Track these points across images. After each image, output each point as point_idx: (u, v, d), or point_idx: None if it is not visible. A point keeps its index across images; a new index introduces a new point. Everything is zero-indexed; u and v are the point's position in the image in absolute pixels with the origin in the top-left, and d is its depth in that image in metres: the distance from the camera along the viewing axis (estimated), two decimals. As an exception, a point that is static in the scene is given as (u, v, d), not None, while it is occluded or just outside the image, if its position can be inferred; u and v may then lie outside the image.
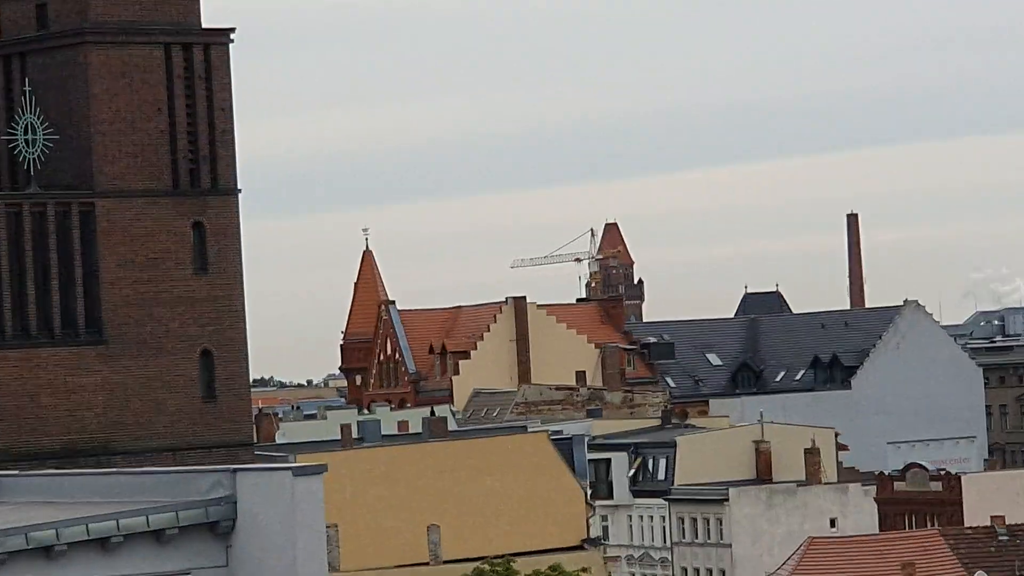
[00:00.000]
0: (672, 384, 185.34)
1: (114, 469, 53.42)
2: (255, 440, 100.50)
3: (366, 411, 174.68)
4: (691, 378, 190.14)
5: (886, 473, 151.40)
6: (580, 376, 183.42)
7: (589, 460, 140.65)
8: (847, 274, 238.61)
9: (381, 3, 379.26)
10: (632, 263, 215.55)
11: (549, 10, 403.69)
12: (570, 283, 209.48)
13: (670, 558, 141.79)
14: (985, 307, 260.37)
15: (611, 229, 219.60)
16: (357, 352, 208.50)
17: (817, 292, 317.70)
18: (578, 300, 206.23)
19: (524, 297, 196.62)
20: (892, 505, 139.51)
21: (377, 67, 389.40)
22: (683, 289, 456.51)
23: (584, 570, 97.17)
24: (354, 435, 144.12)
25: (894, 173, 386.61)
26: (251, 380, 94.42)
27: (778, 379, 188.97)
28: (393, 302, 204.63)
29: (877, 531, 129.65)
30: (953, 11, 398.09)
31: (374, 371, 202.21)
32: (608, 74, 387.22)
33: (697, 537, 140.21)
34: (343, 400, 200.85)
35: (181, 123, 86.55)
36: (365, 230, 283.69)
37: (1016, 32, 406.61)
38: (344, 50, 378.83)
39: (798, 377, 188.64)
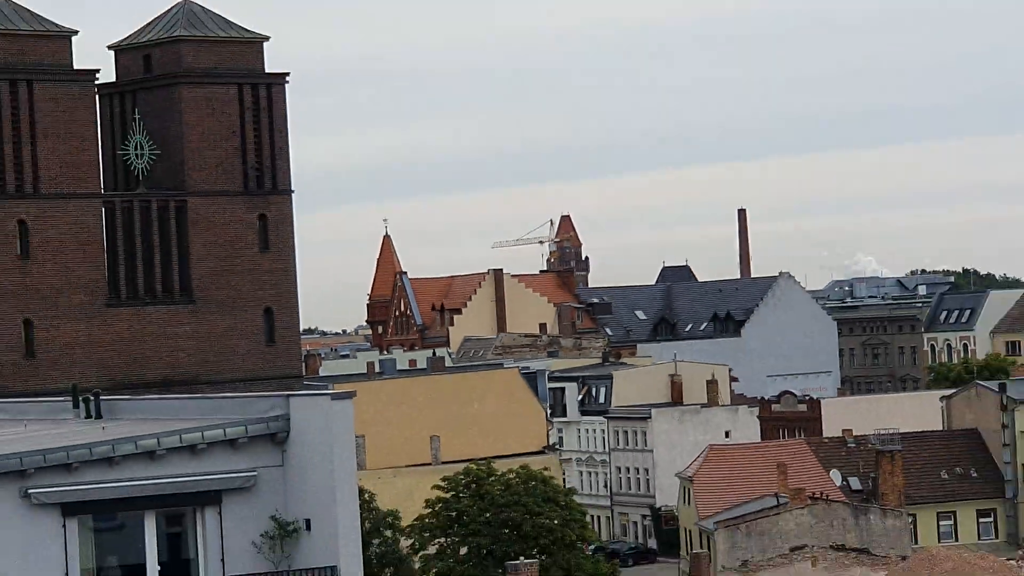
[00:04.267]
0: (610, 333, 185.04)
1: (200, 395, 53.11)
2: (303, 374, 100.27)
3: (385, 352, 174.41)
4: (623, 329, 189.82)
5: (766, 398, 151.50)
6: (542, 327, 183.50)
7: (549, 388, 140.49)
8: (737, 253, 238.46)
9: (394, 60, 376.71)
10: (580, 244, 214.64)
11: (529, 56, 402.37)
12: (535, 259, 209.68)
13: (608, 460, 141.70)
14: (838, 277, 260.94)
15: (565, 220, 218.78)
16: (379, 309, 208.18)
17: (716, 266, 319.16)
18: (541, 271, 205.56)
19: (501, 269, 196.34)
20: (770, 421, 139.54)
21: (391, 100, 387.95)
22: (618, 264, 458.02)
23: (545, 469, 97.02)
24: (376, 370, 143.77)
25: (773, 179, 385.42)
26: (300, 330, 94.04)
27: (687, 329, 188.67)
28: (405, 273, 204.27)
29: (759, 440, 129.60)
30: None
31: (391, 323, 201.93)
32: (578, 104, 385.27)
33: (628, 445, 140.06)
34: (368, 344, 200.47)
35: (250, 142, 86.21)
36: (385, 220, 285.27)
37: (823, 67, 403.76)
38: (366, 86, 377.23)
39: (702, 328, 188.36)
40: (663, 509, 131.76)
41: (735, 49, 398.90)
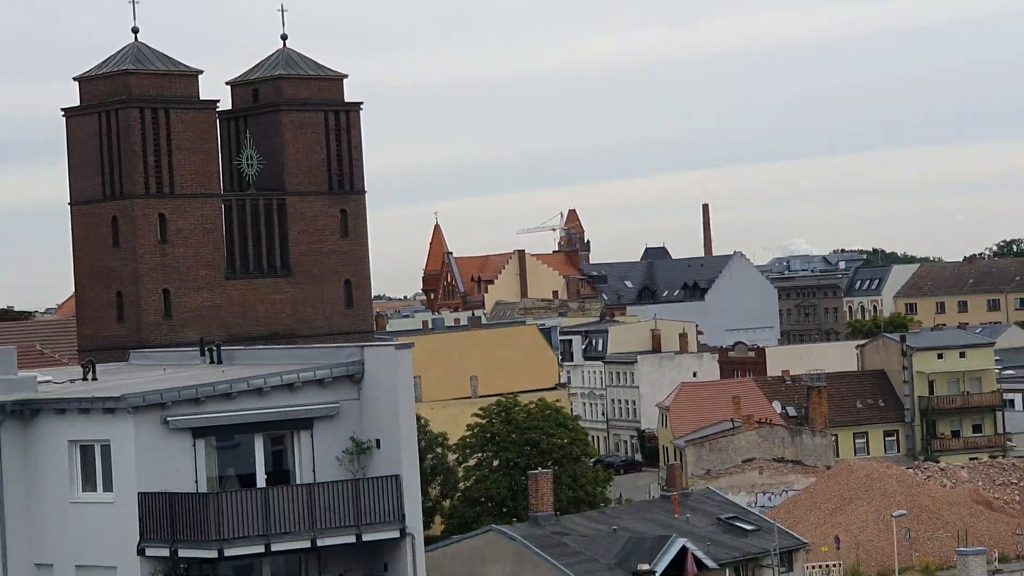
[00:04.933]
0: (605, 298, 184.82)
1: (295, 346, 53.06)
2: (374, 330, 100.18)
3: (436, 313, 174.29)
4: (616, 295, 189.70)
5: (724, 347, 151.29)
6: (555, 294, 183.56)
7: (560, 340, 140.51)
8: (702, 237, 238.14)
9: (440, 85, 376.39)
10: (583, 231, 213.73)
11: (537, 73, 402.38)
12: (549, 242, 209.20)
13: (605, 394, 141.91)
14: (778, 256, 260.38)
15: (572, 213, 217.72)
16: (431, 281, 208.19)
17: (686, 247, 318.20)
18: (553, 252, 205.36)
19: (524, 250, 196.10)
20: (727, 365, 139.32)
21: (440, 119, 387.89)
22: (611, 246, 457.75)
23: (557, 401, 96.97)
24: (429, 326, 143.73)
25: (730, 182, 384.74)
26: (372, 296, 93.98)
27: (664, 295, 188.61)
28: (451, 253, 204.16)
29: (719, 379, 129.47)
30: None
31: (440, 291, 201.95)
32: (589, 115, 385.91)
33: (619, 383, 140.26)
34: (423, 307, 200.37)
35: (333, 154, 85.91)
36: (435, 213, 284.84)
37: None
38: (420, 109, 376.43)
39: (675, 294, 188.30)
40: (646, 431, 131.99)
41: (700, 81, 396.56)
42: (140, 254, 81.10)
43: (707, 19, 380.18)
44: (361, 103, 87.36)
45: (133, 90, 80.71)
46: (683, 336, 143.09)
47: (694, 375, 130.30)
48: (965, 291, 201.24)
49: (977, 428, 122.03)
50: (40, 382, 39.45)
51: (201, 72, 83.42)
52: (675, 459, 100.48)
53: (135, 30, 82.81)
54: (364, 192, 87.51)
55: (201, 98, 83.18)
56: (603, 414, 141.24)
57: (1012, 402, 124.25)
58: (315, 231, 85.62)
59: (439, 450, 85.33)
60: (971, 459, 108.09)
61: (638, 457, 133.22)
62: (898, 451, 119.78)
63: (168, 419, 35.97)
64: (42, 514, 36.67)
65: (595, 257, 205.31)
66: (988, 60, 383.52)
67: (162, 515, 35.38)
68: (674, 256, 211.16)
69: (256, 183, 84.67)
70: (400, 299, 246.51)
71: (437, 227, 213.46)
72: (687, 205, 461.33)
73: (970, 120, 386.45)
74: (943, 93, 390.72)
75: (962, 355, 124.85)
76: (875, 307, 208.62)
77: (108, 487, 36.02)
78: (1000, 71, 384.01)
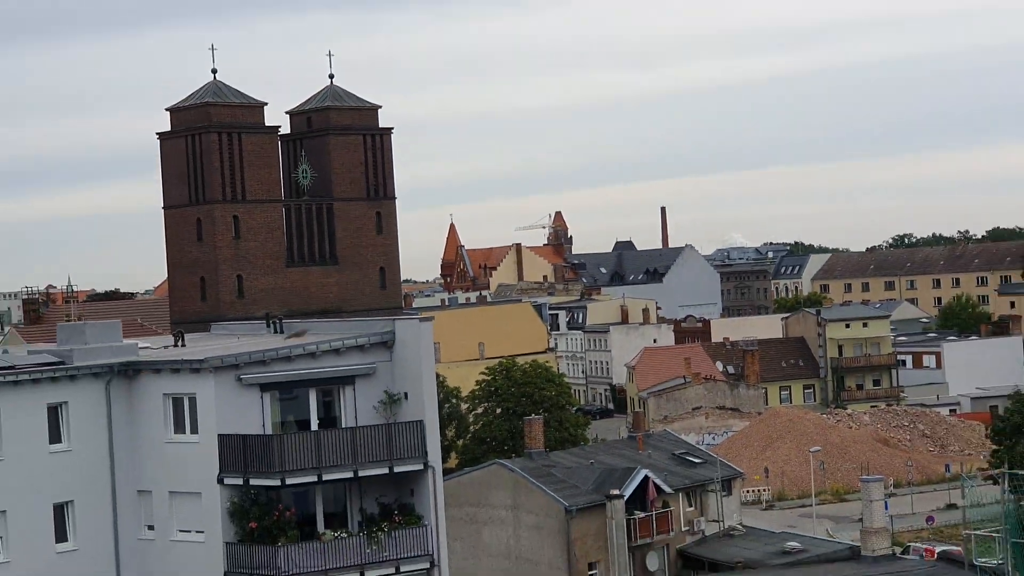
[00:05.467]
0: (585, 281, 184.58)
1: (340, 319, 53.01)
2: (403, 306, 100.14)
3: (451, 293, 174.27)
4: (593, 278, 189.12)
5: (677, 320, 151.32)
6: (545, 278, 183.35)
7: (549, 314, 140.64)
8: (660, 233, 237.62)
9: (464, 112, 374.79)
10: (567, 228, 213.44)
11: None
12: (540, 237, 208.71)
13: (584, 356, 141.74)
14: (720, 247, 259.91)
15: (559, 214, 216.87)
16: (447, 267, 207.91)
17: (649, 240, 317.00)
18: (544, 244, 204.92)
19: (520, 243, 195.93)
20: (680, 333, 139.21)
21: (457, 140, 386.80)
22: (590, 239, 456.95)
23: (547, 362, 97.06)
24: (446, 304, 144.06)
25: (684, 189, 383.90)
26: (401, 280, 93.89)
27: (631, 279, 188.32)
28: (463, 246, 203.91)
29: (673, 344, 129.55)
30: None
31: (454, 276, 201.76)
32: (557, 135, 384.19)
33: (596, 347, 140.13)
34: (441, 288, 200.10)
35: (370, 168, 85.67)
36: (451, 214, 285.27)
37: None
38: (441, 132, 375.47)
39: (639, 278, 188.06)
40: (617, 385, 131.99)
41: (656, 114, 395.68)
42: (218, 247, 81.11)
43: (661, 66, 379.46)
44: (392, 128, 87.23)
45: (213, 118, 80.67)
46: (645, 311, 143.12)
47: (654, 341, 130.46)
48: (867, 275, 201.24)
49: (876, 382, 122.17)
50: (140, 348, 39.41)
51: (266, 104, 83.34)
52: (639, 407, 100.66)
53: (214, 71, 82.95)
54: (395, 198, 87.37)
55: (266, 124, 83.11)
56: (583, 372, 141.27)
57: (904, 362, 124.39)
58: (356, 229, 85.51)
59: (454, 401, 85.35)
60: (872, 407, 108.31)
61: (610, 406, 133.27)
62: (814, 400, 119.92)
63: (241, 377, 35.91)
64: (142, 452, 36.68)
65: (576, 249, 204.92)
66: (879, 95, 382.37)
67: (236, 452, 35.34)
68: (638, 248, 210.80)
69: (309, 192, 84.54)
70: (423, 282, 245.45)
71: (452, 226, 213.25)
72: (649, 208, 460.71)
73: (870, 141, 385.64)
74: (846, 120, 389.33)
75: (864, 325, 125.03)
76: (796, 288, 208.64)
77: (194, 430, 35.99)
78: (883, 103, 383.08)
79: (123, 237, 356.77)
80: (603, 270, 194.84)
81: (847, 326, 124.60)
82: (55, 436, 35.60)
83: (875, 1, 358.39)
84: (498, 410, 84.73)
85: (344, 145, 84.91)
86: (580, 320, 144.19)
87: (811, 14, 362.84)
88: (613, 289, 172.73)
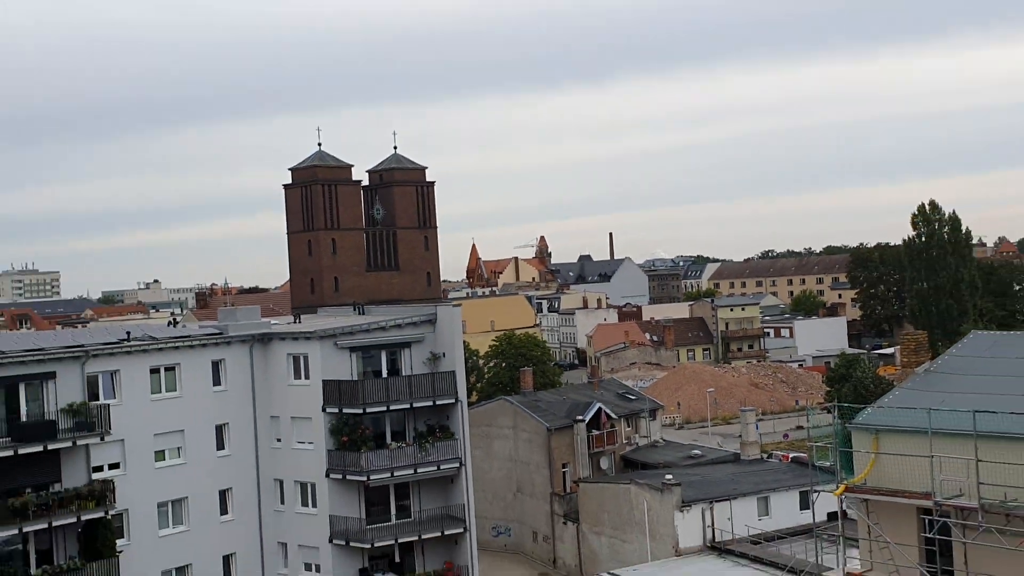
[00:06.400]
0: (560, 281, 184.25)
1: (401, 306, 53.10)
2: (442, 298, 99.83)
3: (473, 290, 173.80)
4: (564, 280, 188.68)
5: (620, 306, 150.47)
6: (533, 279, 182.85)
7: (536, 302, 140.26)
8: (608, 249, 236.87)
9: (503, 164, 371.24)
10: (548, 247, 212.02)
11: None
12: (530, 252, 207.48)
13: (558, 330, 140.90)
14: (648, 259, 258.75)
15: (542, 237, 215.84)
16: (471, 272, 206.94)
17: (601, 254, 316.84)
18: (532, 257, 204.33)
19: (517, 256, 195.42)
20: (622, 315, 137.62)
21: (477, 190, 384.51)
22: (563, 254, 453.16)
23: (536, 334, 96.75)
24: (468, 296, 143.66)
25: (626, 221, 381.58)
26: (441, 280, 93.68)
27: (590, 279, 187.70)
28: (481, 258, 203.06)
29: (617, 322, 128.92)
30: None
31: (475, 278, 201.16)
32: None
33: (567, 324, 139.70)
34: (467, 286, 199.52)
35: (420, 207, 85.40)
36: (472, 238, 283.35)
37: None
38: (465, 184, 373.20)
39: (595, 279, 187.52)
40: (580, 349, 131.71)
41: (603, 172, 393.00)
42: (322, 259, 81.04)
43: (616, 136, 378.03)
44: (435, 181, 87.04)
45: (318, 175, 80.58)
46: (599, 300, 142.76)
47: (604, 320, 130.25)
48: (744, 276, 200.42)
49: (751, 347, 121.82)
50: (272, 323, 39.54)
51: (352, 165, 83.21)
52: (595, 363, 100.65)
53: (319, 144, 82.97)
54: (436, 227, 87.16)
55: (352, 179, 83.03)
56: (558, 340, 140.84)
57: (769, 333, 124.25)
58: (411, 248, 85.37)
59: (474, 358, 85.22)
60: (747, 363, 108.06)
61: (576, 361, 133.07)
62: (710, 359, 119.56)
63: (337, 342, 36.03)
64: (274, 391, 36.82)
65: (554, 260, 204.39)
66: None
67: (334, 391, 35.50)
68: (595, 259, 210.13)
69: (381, 223, 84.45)
70: (455, 282, 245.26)
71: (474, 246, 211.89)
72: (602, 232, 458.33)
73: (749, 186, 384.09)
74: (731, 173, 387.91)
75: (743, 309, 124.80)
76: (698, 285, 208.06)
77: (307, 377, 36.15)
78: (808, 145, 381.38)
79: (261, 252, 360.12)
80: (571, 274, 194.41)
81: (731, 310, 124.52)
82: (216, 380, 35.84)
83: (759, 92, 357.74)
84: (503, 364, 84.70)
85: (404, 193, 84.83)
86: (556, 306, 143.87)
87: (707, 101, 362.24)
88: (578, 286, 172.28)
